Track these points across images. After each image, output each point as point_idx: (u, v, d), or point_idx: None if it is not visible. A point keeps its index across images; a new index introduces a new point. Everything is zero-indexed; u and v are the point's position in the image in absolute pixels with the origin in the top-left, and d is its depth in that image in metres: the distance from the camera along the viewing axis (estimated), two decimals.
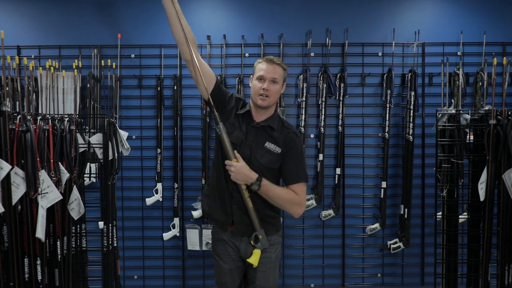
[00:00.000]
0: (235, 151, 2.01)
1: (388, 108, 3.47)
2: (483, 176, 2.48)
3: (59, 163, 2.33)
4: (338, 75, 3.52)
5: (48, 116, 2.40)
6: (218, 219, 2.13)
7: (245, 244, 2.10)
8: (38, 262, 2.15)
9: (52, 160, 2.27)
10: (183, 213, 3.59)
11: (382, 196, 3.53)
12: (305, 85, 3.47)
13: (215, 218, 2.14)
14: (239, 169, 1.96)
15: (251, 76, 2.13)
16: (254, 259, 2.04)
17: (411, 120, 3.37)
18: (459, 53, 3.53)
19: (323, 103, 3.50)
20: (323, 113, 3.50)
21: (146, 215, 3.62)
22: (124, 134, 2.97)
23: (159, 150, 3.53)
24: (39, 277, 2.15)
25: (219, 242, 2.16)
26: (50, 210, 2.27)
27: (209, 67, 2.11)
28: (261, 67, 2.05)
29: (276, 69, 2.03)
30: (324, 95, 3.49)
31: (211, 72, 2.08)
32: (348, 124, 3.57)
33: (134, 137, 3.57)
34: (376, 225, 3.57)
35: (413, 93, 3.36)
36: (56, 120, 2.40)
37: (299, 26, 3.57)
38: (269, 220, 2.11)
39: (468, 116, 2.79)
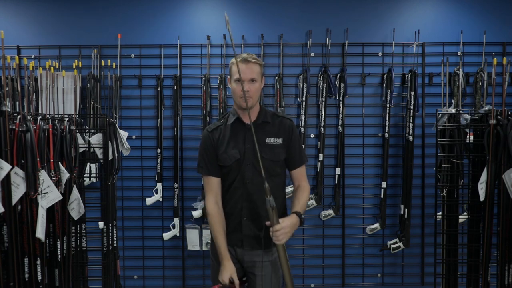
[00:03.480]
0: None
1: (388, 108, 3.47)
2: (483, 176, 2.48)
3: (59, 163, 2.33)
4: (338, 75, 3.52)
5: (48, 116, 2.40)
6: (232, 241, 2.10)
7: (242, 250, 2.08)
8: (38, 262, 2.15)
9: (52, 160, 2.27)
10: (183, 213, 3.59)
11: (382, 196, 3.53)
12: (305, 85, 3.47)
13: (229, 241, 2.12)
14: (289, 224, 1.92)
15: (228, 77, 2.09)
16: None
17: (411, 120, 3.37)
18: (459, 53, 3.53)
19: (323, 103, 3.50)
20: (323, 113, 3.50)
21: (146, 215, 3.62)
22: (124, 134, 2.97)
23: (159, 150, 3.53)
24: (39, 277, 2.15)
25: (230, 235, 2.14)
26: (50, 210, 2.27)
27: (215, 185, 2.09)
28: (237, 69, 1.96)
29: (252, 68, 2.01)
30: (324, 95, 3.49)
31: (217, 184, 2.10)
32: (348, 124, 3.57)
33: (134, 137, 3.57)
34: (376, 225, 3.57)
35: (413, 93, 3.36)
36: (56, 120, 2.40)
37: (299, 26, 3.57)
38: None
39: (468, 116, 2.79)
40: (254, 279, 2.10)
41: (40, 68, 2.62)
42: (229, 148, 2.06)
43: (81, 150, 2.66)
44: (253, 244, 2.06)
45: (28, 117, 2.13)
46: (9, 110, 1.99)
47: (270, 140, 2.08)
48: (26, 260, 2.10)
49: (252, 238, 2.05)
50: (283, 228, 1.89)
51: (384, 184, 3.51)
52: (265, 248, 2.05)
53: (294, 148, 2.12)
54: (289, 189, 3.49)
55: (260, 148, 2.01)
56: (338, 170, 3.56)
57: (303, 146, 2.20)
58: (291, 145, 2.11)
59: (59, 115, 2.54)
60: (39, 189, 2.11)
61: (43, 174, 2.13)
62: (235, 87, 2.02)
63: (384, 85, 3.51)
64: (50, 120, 2.33)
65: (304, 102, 3.48)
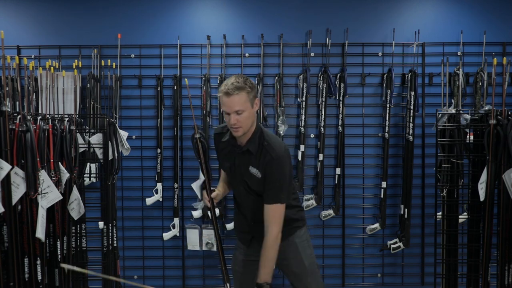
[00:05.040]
0: None
1: (388, 108, 3.47)
2: (483, 176, 2.48)
3: (59, 163, 2.33)
4: (338, 75, 3.51)
5: (48, 116, 2.41)
6: (239, 235, 2.29)
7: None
8: (38, 262, 2.15)
9: (52, 160, 2.27)
10: (183, 213, 3.59)
11: (382, 196, 3.53)
12: (305, 85, 3.47)
13: (237, 234, 2.33)
14: None
15: None
16: None
17: (411, 120, 3.37)
18: (459, 53, 3.52)
19: (323, 103, 3.49)
20: (323, 113, 3.50)
21: (146, 215, 3.62)
22: (124, 134, 2.97)
23: (159, 150, 3.53)
24: (39, 277, 2.15)
25: (240, 235, 2.32)
26: (50, 210, 2.27)
27: (224, 176, 2.31)
28: (221, 101, 1.98)
29: (235, 100, 1.93)
30: (324, 95, 3.49)
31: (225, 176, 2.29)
32: (348, 124, 3.57)
33: (134, 137, 3.57)
34: (376, 225, 3.57)
35: (413, 93, 3.36)
36: (56, 120, 2.40)
37: (299, 26, 3.56)
38: (294, 224, 2.19)
39: (468, 116, 2.79)
40: (287, 263, 2.19)
41: (40, 68, 2.62)
42: (225, 159, 2.18)
43: (81, 150, 2.66)
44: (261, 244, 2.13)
45: (28, 117, 2.13)
46: (9, 110, 2.00)
47: (252, 170, 2.05)
48: (26, 260, 2.10)
49: (260, 240, 2.13)
50: None
51: (384, 184, 3.51)
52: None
53: (268, 184, 2.01)
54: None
55: (242, 174, 2.09)
56: (338, 170, 3.56)
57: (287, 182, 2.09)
58: (266, 180, 2.02)
59: (59, 115, 2.54)
60: (39, 189, 2.11)
61: (43, 174, 2.13)
62: (224, 116, 2.01)
63: (384, 85, 3.50)
64: (50, 120, 2.33)
65: (304, 102, 3.48)
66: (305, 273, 2.19)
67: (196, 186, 2.22)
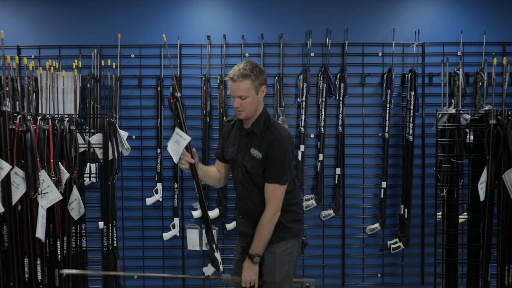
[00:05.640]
0: None
1: (388, 108, 3.47)
2: (483, 176, 2.48)
3: (59, 163, 2.33)
4: (338, 75, 3.51)
5: (48, 116, 2.41)
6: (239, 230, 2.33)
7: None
8: (38, 262, 2.15)
9: (52, 160, 2.27)
10: (183, 213, 3.59)
11: (382, 196, 3.53)
12: (305, 85, 3.47)
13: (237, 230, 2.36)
14: (245, 269, 2.12)
15: None
16: None
17: (411, 120, 3.37)
18: (459, 53, 3.52)
19: (323, 103, 3.49)
20: (323, 113, 3.50)
21: (146, 215, 3.62)
22: (124, 134, 2.97)
23: (159, 150, 3.53)
24: (39, 277, 2.15)
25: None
26: (50, 210, 2.27)
27: (215, 168, 2.32)
28: (228, 85, 2.10)
29: (239, 86, 2.02)
30: (324, 95, 3.49)
31: (219, 167, 2.31)
32: (348, 124, 3.57)
33: (134, 137, 3.57)
34: (376, 225, 3.57)
35: (413, 93, 3.36)
36: (56, 120, 2.41)
37: (299, 26, 3.56)
38: (281, 234, 2.19)
39: (468, 116, 2.79)
40: (261, 268, 2.19)
41: (40, 68, 2.62)
42: (230, 144, 2.21)
43: (81, 150, 2.66)
44: (247, 240, 2.17)
45: (28, 117, 2.13)
46: (9, 110, 2.00)
47: (253, 152, 2.10)
48: (26, 260, 2.10)
49: (245, 236, 2.19)
50: (243, 276, 2.13)
51: (384, 184, 3.51)
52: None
53: (268, 164, 2.07)
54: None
55: (243, 156, 2.13)
56: (338, 170, 3.56)
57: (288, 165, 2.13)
58: (267, 159, 2.07)
59: (59, 115, 2.54)
60: (39, 189, 2.11)
61: (43, 174, 2.13)
62: (231, 99, 2.11)
63: (384, 85, 3.50)
64: (50, 120, 2.33)
65: (304, 102, 3.48)
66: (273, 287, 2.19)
67: (171, 148, 2.21)
